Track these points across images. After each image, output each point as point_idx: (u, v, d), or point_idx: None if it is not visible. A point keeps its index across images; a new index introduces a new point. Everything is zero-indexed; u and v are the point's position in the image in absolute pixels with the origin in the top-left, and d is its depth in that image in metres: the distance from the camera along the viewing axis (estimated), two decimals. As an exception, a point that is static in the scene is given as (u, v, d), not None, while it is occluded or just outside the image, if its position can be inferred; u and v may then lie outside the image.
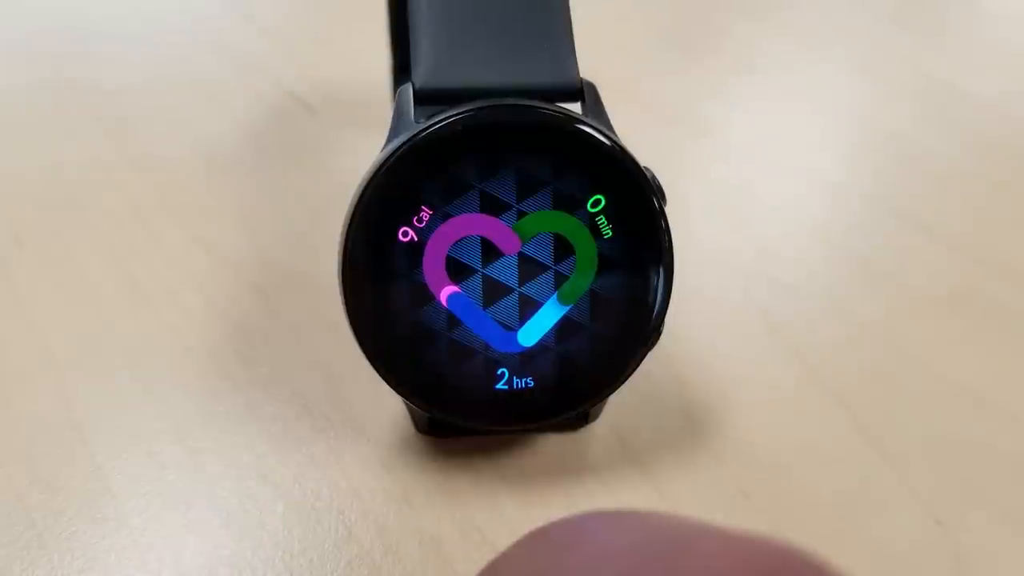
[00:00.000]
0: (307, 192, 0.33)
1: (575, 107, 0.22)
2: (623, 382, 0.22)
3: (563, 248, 0.21)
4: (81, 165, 0.34)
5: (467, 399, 0.22)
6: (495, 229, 0.21)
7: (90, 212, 0.32)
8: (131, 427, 0.25)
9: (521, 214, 0.21)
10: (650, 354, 0.22)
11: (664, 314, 0.22)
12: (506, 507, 0.23)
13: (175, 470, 0.24)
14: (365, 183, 0.21)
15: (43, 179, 0.33)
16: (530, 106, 0.21)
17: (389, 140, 0.22)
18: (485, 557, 0.22)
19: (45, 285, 0.29)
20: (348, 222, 0.21)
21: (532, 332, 0.22)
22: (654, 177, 0.22)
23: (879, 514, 0.24)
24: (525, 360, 0.22)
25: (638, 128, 0.25)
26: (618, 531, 0.14)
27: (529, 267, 0.22)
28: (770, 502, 0.24)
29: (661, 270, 0.22)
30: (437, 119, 0.21)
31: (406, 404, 0.23)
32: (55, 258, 0.30)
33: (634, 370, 0.22)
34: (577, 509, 0.22)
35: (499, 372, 0.22)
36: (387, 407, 0.25)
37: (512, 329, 0.22)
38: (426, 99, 0.22)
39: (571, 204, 0.21)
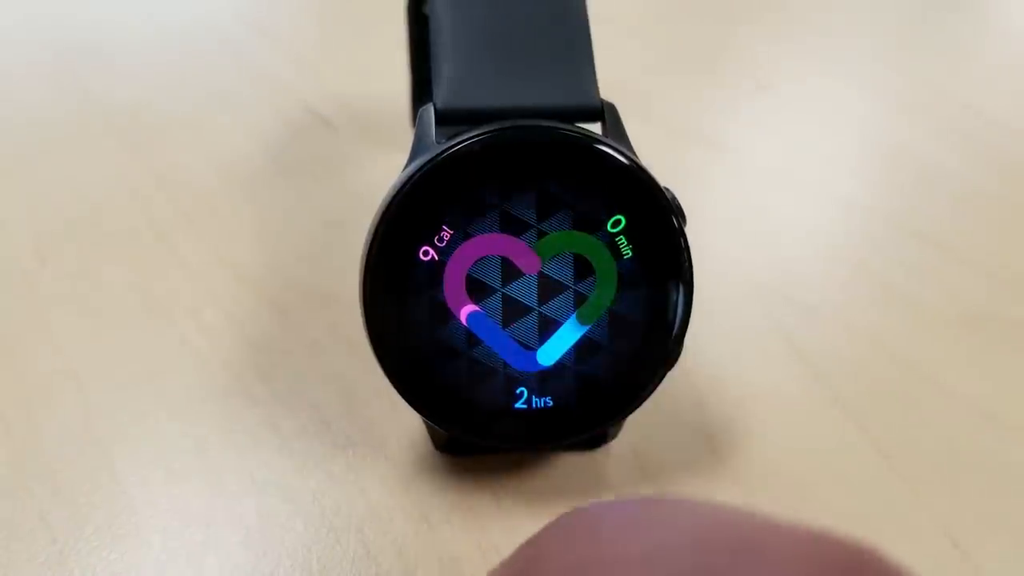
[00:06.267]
0: (327, 208, 0.34)
1: (595, 127, 0.22)
2: (642, 402, 0.22)
3: (583, 268, 0.22)
4: (102, 182, 0.34)
5: (485, 418, 0.22)
6: (515, 249, 0.21)
7: (111, 228, 0.32)
8: (152, 444, 0.25)
9: (541, 234, 0.21)
10: (669, 374, 0.22)
11: (684, 334, 0.22)
12: (525, 526, 0.23)
13: (195, 487, 0.24)
14: (387, 203, 0.21)
15: (65, 196, 0.34)
16: (550, 127, 0.21)
17: (410, 160, 0.22)
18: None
19: (67, 301, 0.29)
20: (369, 241, 0.21)
21: (551, 352, 0.22)
22: (674, 197, 0.22)
23: (900, 539, 0.24)
24: (544, 379, 0.22)
25: (655, 146, 0.25)
26: (675, 524, 0.13)
27: (549, 287, 0.22)
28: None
29: (681, 289, 0.22)
30: (458, 140, 0.21)
31: (424, 422, 0.23)
32: (77, 274, 0.30)
33: (654, 390, 0.22)
34: None
35: (518, 391, 0.22)
36: (406, 425, 0.25)
37: (531, 349, 0.22)
38: (447, 119, 0.22)
39: (591, 224, 0.21)
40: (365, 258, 0.21)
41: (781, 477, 0.25)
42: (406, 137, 0.22)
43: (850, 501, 0.24)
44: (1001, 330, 0.30)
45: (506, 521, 0.23)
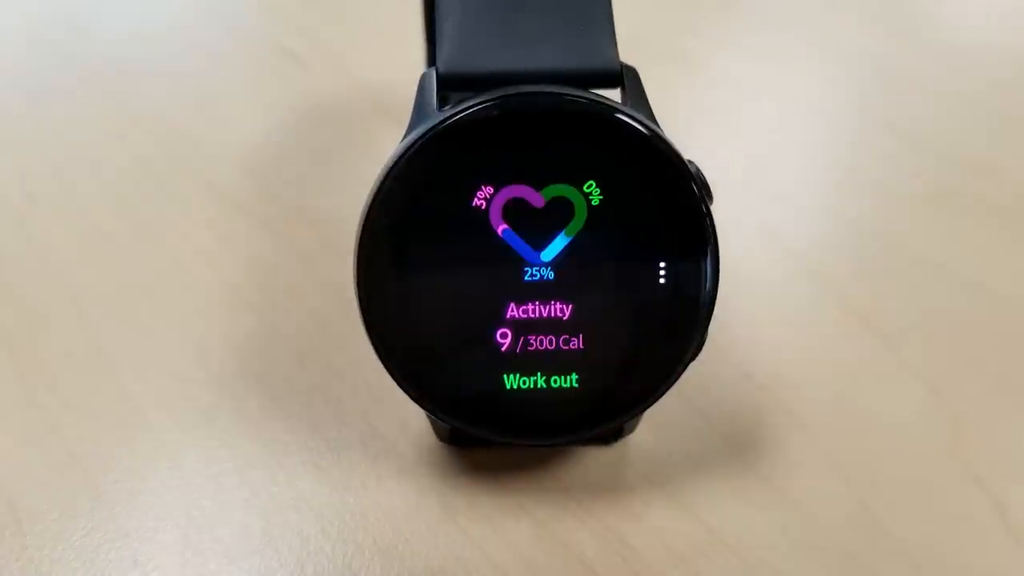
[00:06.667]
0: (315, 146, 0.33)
1: (614, 94, 0.21)
2: (663, 394, 0.20)
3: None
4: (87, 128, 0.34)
5: (490, 411, 0.20)
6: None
7: (98, 167, 0.32)
8: (156, 447, 0.24)
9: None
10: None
11: (709, 318, 0.20)
12: (541, 523, 0.22)
13: (203, 494, 0.23)
14: (379, 182, 0.19)
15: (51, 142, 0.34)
16: (562, 94, 0.19)
17: (410, 129, 0.20)
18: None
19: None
20: (364, 218, 0.20)
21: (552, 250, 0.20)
22: (698, 170, 0.20)
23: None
24: (552, 359, 0.20)
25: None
26: None
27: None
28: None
29: (707, 266, 0.20)
30: (459, 108, 0.19)
31: (428, 416, 0.22)
32: (66, 210, 0.31)
33: (676, 380, 0.20)
34: (610, 525, 0.22)
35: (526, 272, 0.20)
36: (414, 423, 0.24)
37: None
38: (450, 85, 0.21)
39: (609, 198, 0.20)
40: (359, 236, 0.20)
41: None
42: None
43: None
44: (965, 204, 0.32)
45: (521, 517, 0.22)
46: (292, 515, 0.22)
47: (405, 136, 0.20)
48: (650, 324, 0.20)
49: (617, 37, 0.21)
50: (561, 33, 0.21)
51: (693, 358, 0.20)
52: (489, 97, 0.19)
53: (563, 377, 0.20)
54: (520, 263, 0.20)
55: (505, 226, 0.20)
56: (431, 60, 0.30)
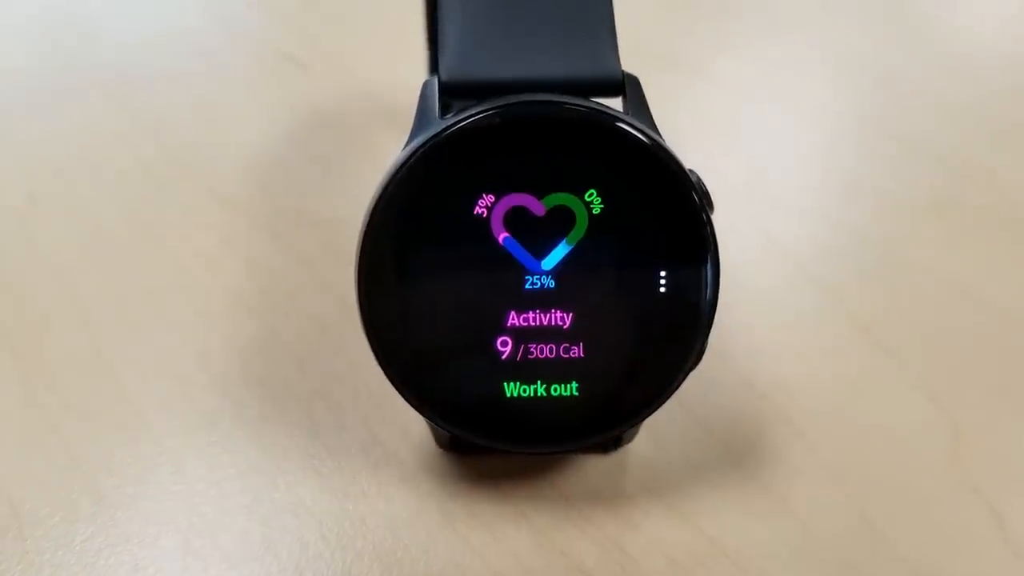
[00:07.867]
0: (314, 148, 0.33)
1: (615, 102, 0.21)
2: (663, 402, 0.20)
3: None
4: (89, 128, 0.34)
5: (490, 419, 0.20)
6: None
7: (100, 168, 0.32)
8: (157, 451, 0.24)
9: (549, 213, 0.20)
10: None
11: (710, 327, 0.20)
12: (540, 530, 0.22)
13: (204, 499, 0.23)
14: (381, 189, 0.19)
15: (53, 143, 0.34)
16: (563, 103, 0.19)
17: (412, 136, 0.20)
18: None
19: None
20: (366, 224, 0.20)
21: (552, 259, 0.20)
22: (699, 180, 0.20)
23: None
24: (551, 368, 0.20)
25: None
26: None
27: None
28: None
29: (708, 274, 0.20)
30: (461, 116, 0.19)
31: (428, 423, 0.22)
32: (68, 210, 0.30)
33: (676, 389, 0.20)
34: (610, 534, 0.22)
35: (527, 280, 0.20)
36: (415, 428, 0.24)
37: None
38: (453, 92, 0.21)
39: (610, 207, 0.20)
40: (360, 246, 0.20)
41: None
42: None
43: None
44: (966, 212, 0.32)
45: (520, 525, 0.22)
46: (292, 521, 0.22)
47: (407, 143, 0.20)
48: (650, 332, 0.20)
49: (618, 45, 0.21)
50: (563, 42, 0.21)
51: (693, 366, 0.20)
52: (491, 105, 0.19)
53: (563, 385, 0.20)
54: (521, 271, 0.20)
55: (506, 234, 0.20)
56: (433, 67, 0.30)
